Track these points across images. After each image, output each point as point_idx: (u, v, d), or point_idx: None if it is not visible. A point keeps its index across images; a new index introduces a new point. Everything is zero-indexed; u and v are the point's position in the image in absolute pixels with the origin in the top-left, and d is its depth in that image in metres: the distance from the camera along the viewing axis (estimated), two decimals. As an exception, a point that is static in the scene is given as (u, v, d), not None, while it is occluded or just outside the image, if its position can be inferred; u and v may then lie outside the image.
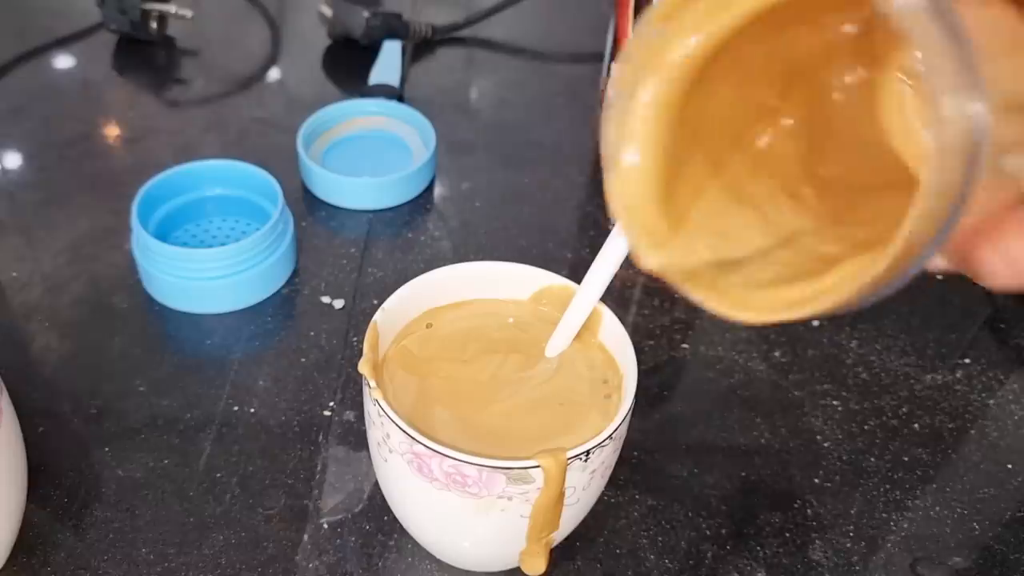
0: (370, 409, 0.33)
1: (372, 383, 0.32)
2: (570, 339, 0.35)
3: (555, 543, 0.34)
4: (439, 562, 0.38)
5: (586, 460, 0.31)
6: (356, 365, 0.35)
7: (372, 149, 0.58)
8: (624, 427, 0.32)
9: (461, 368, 0.35)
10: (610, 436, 0.31)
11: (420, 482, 0.31)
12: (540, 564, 0.34)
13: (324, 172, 0.54)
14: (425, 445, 0.30)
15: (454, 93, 0.65)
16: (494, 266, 0.38)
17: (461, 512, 0.32)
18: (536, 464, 0.30)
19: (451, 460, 0.30)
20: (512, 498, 0.31)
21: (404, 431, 0.30)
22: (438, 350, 0.36)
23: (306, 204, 0.54)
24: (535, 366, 0.35)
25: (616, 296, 0.50)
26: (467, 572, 0.38)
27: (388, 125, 0.59)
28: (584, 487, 0.32)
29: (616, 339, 0.35)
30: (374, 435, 0.33)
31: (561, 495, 0.31)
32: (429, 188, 0.56)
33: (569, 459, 0.30)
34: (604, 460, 0.32)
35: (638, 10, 0.50)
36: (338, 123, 0.58)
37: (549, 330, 0.36)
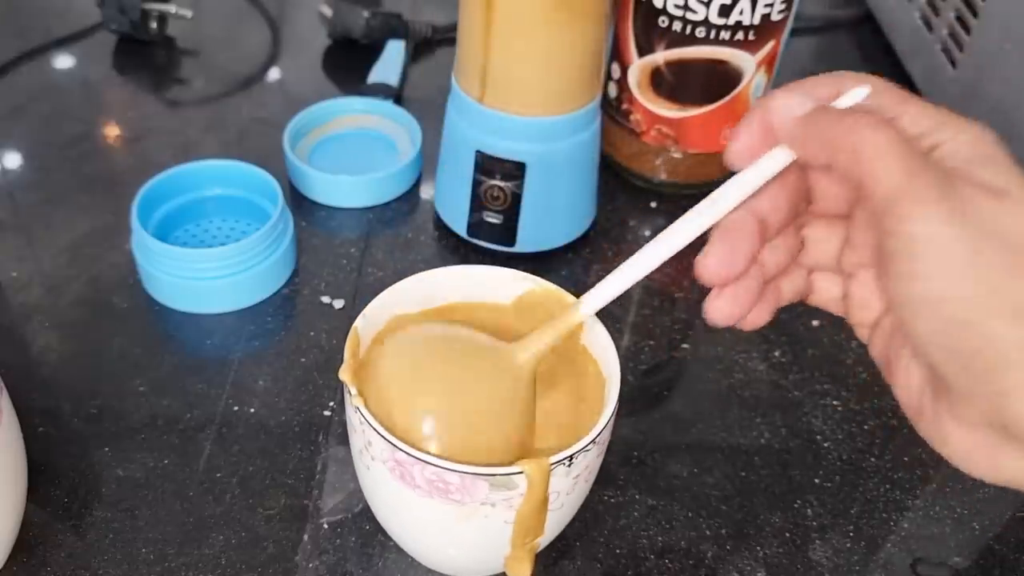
0: (351, 416, 0.32)
1: (353, 390, 0.31)
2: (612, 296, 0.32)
3: (540, 548, 0.34)
4: (439, 562, 0.38)
5: (569, 465, 0.30)
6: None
7: (360, 147, 0.58)
8: (608, 431, 0.32)
9: (443, 367, 0.34)
10: (593, 440, 0.30)
11: (402, 489, 0.31)
12: (525, 569, 0.34)
13: (307, 169, 0.54)
14: (407, 452, 0.29)
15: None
16: (479, 270, 0.37)
17: (444, 519, 0.31)
18: (519, 471, 0.29)
19: (433, 467, 0.29)
20: (495, 504, 0.30)
21: (385, 438, 0.30)
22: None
23: (306, 204, 0.54)
24: (513, 370, 0.35)
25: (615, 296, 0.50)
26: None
27: (378, 124, 0.59)
28: (568, 492, 0.32)
29: (600, 343, 0.35)
30: (356, 442, 0.33)
31: (545, 500, 0.31)
32: (419, 186, 0.56)
33: (552, 465, 0.30)
34: (588, 465, 0.32)
35: (638, 12, 0.50)
36: (326, 121, 0.58)
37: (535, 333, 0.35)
